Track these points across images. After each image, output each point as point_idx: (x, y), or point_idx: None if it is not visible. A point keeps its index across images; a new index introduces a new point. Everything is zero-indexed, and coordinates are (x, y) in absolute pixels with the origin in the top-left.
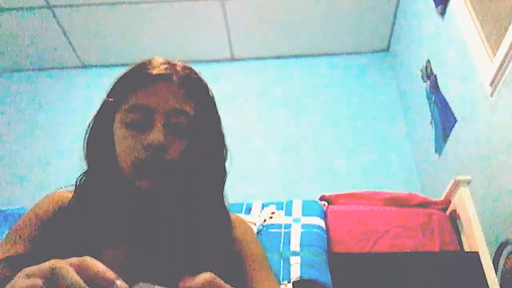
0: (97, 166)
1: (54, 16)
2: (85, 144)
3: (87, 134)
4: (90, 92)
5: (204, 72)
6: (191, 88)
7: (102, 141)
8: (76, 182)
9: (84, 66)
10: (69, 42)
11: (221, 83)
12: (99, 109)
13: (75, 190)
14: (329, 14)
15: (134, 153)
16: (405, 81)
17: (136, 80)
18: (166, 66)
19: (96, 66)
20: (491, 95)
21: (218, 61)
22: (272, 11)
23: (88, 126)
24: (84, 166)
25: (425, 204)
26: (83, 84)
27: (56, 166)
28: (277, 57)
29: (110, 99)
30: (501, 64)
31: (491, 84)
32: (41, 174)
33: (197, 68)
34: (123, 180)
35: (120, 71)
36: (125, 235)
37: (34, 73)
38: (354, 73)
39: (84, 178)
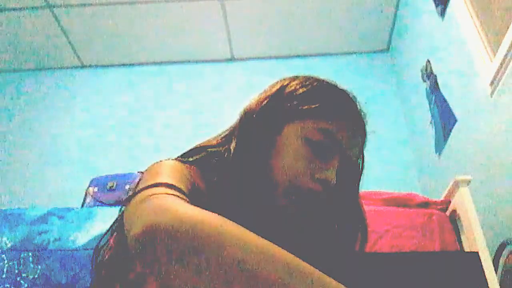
0: (246, 154)
1: (54, 16)
2: (241, 123)
3: (249, 114)
4: (90, 92)
5: (204, 72)
6: (363, 144)
7: (263, 132)
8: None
9: (84, 66)
10: (69, 42)
11: (221, 83)
12: (274, 98)
13: (208, 167)
14: (329, 14)
15: (302, 177)
16: (405, 81)
17: (343, 108)
18: (363, 114)
19: (96, 66)
20: (491, 95)
21: (218, 61)
22: (272, 11)
23: (256, 108)
24: (81, 167)
25: (425, 204)
26: (83, 84)
27: (56, 166)
28: (277, 57)
29: (303, 106)
30: (501, 64)
31: (491, 84)
32: (41, 174)
33: (197, 68)
34: (267, 184)
35: (119, 71)
36: None
37: (34, 73)
38: (354, 73)
39: (218, 157)
